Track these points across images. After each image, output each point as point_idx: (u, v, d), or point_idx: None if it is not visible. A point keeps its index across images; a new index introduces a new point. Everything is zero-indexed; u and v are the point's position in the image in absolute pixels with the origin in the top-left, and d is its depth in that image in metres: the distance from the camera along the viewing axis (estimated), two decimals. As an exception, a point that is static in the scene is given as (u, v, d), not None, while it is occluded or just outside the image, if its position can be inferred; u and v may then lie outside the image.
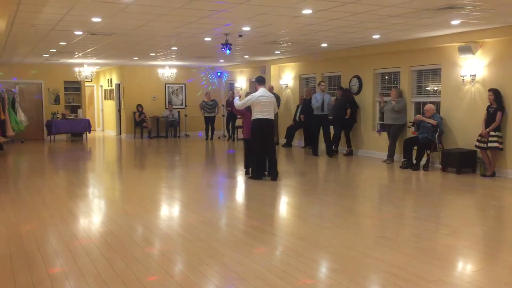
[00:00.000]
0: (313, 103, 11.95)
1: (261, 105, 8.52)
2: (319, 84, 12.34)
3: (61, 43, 11.10)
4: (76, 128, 17.12)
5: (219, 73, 19.40)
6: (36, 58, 14.88)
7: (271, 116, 8.67)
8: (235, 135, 16.69)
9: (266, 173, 8.78)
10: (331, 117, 12.35)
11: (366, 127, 12.18)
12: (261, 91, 8.70)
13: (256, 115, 8.55)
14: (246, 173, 9.15)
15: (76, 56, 13.99)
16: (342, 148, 12.49)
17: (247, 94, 16.07)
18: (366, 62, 12.04)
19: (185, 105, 18.90)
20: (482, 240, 5.31)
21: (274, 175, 8.60)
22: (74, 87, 18.31)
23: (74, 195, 7.78)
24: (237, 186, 8.79)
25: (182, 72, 18.65)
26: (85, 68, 16.65)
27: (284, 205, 7.05)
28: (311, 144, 13.76)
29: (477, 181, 8.63)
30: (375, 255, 4.63)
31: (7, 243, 5.09)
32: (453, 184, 8.44)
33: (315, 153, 12.20)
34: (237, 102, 8.81)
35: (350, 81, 12.60)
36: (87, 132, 17.26)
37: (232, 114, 16.63)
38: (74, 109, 18.15)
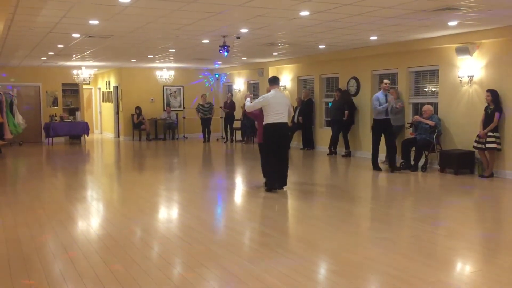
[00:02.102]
0: (374, 105, 9.65)
1: (274, 107, 7.73)
2: (381, 82, 10.28)
3: (58, 46, 11.10)
4: (75, 131, 17.10)
5: (217, 75, 19.40)
6: (34, 61, 14.87)
7: (285, 120, 7.84)
8: (233, 137, 16.69)
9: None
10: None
11: (364, 128, 12.19)
12: (274, 92, 7.93)
13: (268, 119, 7.76)
14: (265, 184, 8.01)
15: (74, 58, 13.98)
16: (340, 149, 12.49)
17: (246, 96, 15.96)
18: (364, 64, 12.05)
19: (183, 107, 18.90)
20: (480, 241, 5.31)
21: (280, 184, 7.89)
22: (72, 90, 18.30)
23: (72, 198, 7.76)
24: (235, 188, 8.78)
25: (180, 74, 18.66)
26: (83, 70, 16.64)
27: (283, 207, 7.04)
28: (310, 146, 13.77)
29: (476, 182, 8.64)
30: (374, 257, 4.63)
31: (5, 246, 5.08)
32: (451, 185, 8.44)
33: (374, 165, 9.99)
34: (248, 104, 8.15)
35: (348, 83, 12.61)
36: (85, 135, 17.24)
37: (230, 116, 16.67)
38: (72, 111, 18.13)
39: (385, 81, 9.91)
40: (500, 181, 8.61)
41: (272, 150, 7.78)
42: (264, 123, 7.83)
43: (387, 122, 9.76)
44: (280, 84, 15.40)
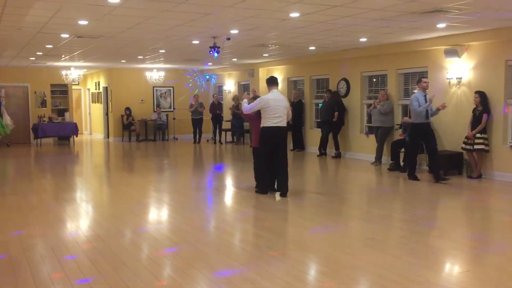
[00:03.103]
0: (414, 106, 8.62)
1: (273, 110, 7.28)
2: (419, 81, 8.89)
3: (47, 46, 11.01)
4: (63, 132, 16.99)
5: (207, 76, 19.37)
6: (22, 61, 14.74)
7: (284, 124, 7.39)
8: (222, 138, 16.66)
9: (276, 187, 7.66)
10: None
11: (354, 129, 12.24)
12: (273, 93, 7.47)
13: (265, 122, 7.32)
14: (256, 187, 7.83)
15: (63, 59, 13.88)
16: (330, 150, 12.53)
17: (234, 97, 15.87)
18: (354, 65, 12.11)
19: (174, 108, 18.85)
20: (468, 242, 5.35)
21: (283, 191, 7.45)
22: (61, 90, 18.18)
23: (61, 199, 7.70)
24: (226, 189, 8.77)
25: (170, 75, 18.60)
26: (72, 71, 16.54)
27: (273, 208, 7.04)
28: (300, 147, 13.78)
29: (464, 183, 8.71)
30: (364, 257, 4.64)
31: (-7, 248, 5.03)
32: (440, 186, 8.50)
33: (411, 175, 8.94)
34: (245, 106, 7.66)
35: (338, 84, 12.66)
36: (74, 136, 17.12)
37: (217, 117, 16.64)
38: (61, 112, 18.00)
39: (424, 79, 8.87)
40: (488, 182, 8.69)
41: (267, 154, 7.41)
42: (261, 125, 7.41)
43: (428, 126, 8.78)
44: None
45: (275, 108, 7.31)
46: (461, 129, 9.29)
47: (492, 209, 6.96)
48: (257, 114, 7.52)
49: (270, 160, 7.45)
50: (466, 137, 9.00)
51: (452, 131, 9.65)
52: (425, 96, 8.71)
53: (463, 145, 9.07)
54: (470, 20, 7.72)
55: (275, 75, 15.30)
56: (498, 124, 8.81)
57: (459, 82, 9.49)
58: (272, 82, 7.68)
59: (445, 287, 3.96)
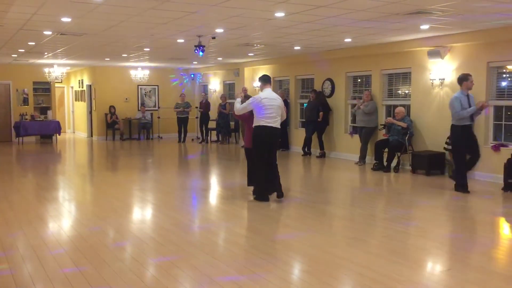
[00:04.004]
0: (455, 109, 7.47)
1: (266, 109, 6.99)
2: (464, 78, 7.57)
3: (30, 43, 10.86)
4: (46, 130, 16.78)
5: (192, 75, 19.30)
6: (4, 58, 14.52)
7: (278, 124, 7.07)
8: (209, 137, 16.63)
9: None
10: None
11: (339, 129, 12.31)
12: (266, 92, 7.15)
13: (259, 121, 7.01)
14: (254, 192, 7.37)
15: (45, 56, 13.71)
16: (314, 150, 12.58)
17: (222, 96, 15.81)
18: (339, 65, 12.17)
19: (158, 107, 18.74)
20: (450, 241, 5.42)
21: (278, 191, 7.17)
22: (44, 88, 17.95)
23: (43, 198, 7.61)
24: (210, 188, 8.75)
25: (155, 73, 18.49)
26: (55, 68, 16.32)
27: (257, 208, 7.04)
28: (285, 146, 13.79)
29: (446, 182, 8.81)
30: (346, 256, 4.67)
31: (-28, 248, 4.94)
32: (422, 186, 8.60)
33: (461, 186, 7.86)
34: (237, 106, 7.32)
35: (323, 84, 12.72)
36: (57, 134, 16.93)
37: (205, 116, 16.58)
38: (44, 110, 17.78)
39: (470, 77, 7.55)
40: (469, 181, 8.76)
41: (261, 156, 7.07)
42: (253, 125, 7.09)
43: (471, 128, 7.70)
44: (255, 85, 15.42)
45: (269, 107, 6.98)
46: (443, 129, 9.38)
47: (474, 209, 7.06)
48: (251, 114, 7.21)
49: (264, 162, 7.08)
50: (448, 138, 9.10)
51: (434, 132, 9.77)
52: (467, 96, 7.54)
53: (446, 146, 9.18)
54: (452, 22, 7.81)
55: (260, 74, 15.32)
56: (479, 125, 8.93)
57: (442, 83, 9.60)
58: (265, 80, 7.36)
59: (426, 285, 4.00)
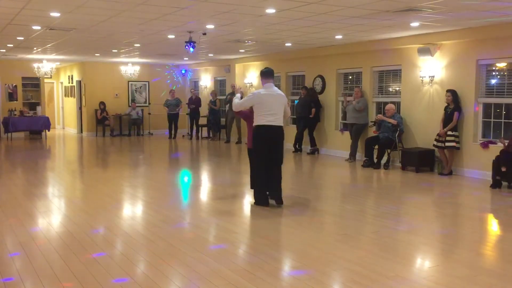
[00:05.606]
0: None
1: (267, 106, 6.35)
2: None
3: (18, 38, 10.75)
4: (35, 126, 16.64)
5: (183, 71, 19.23)
6: (-8, 53, 14.38)
7: (280, 123, 6.48)
8: (199, 133, 16.58)
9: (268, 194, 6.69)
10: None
11: (329, 126, 12.34)
12: (267, 88, 6.53)
13: (259, 120, 6.41)
14: (254, 197, 6.79)
15: (35, 51, 13.58)
16: (305, 146, 12.60)
17: (212, 93, 15.67)
18: (330, 62, 12.19)
19: (149, 103, 18.65)
20: (439, 237, 5.46)
21: (277, 198, 6.59)
22: (33, 84, 17.78)
23: (31, 194, 7.54)
24: (201, 185, 8.73)
25: (145, 69, 18.40)
26: (45, 64, 16.18)
27: (246, 203, 7.04)
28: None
29: (435, 179, 8.88)
30: (336, 253, 4.69)
31: (-41, 245, 4.89)
32: (412, 183, 8.65)
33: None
34: (235, 101, 6.71)
35: (314, 81, 12.73)
36: (46, 130, 16.80)
37: (195, 112, 16.51)
38: (33, 106, 17.62)
39: None
40: (458, 178, 8.87)
41: (261, 157, 6.52)
42: (254, 124, 6.54)
43: None
44: (246, 82, 15.39)
45: (269, 104, 6.37)
46: (433, 126, 9.46)
47: (462, 205, 7.11)
48: (251, 111, 6.67)
49: (264, 165, 6.54)
50: (438, 135, 9.17)
51: (424, 129, 9.82)
52: None
53: (435, 142, 9.24)
54: (442, 20, 7.85)
55: (251, 71, 15.33)
56: (468, 122, 9.00)
57: (432, 80, 9.65)
58: (267, 74, 6.61)
59: (415, 281, 4.03)
